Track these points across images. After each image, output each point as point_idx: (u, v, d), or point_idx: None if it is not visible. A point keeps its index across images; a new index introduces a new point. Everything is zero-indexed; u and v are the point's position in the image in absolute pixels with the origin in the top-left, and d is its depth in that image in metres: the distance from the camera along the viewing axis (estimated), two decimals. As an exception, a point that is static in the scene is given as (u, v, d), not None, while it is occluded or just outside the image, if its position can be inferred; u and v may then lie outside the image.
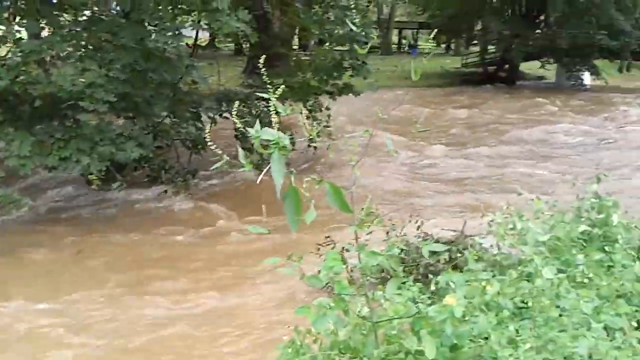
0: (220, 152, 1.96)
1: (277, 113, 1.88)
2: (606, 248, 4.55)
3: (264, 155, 1.85)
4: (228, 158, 1.95)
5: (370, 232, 5.53)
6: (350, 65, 12.43)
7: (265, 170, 1.83)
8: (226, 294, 7.24)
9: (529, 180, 12.37)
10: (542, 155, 15.51)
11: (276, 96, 1.91)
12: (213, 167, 2.07)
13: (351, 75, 12.95)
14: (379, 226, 5.74)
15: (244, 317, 6.63)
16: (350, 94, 13.42)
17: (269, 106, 1.95)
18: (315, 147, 10.11)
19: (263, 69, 2.06)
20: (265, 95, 1.95)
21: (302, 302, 5.55)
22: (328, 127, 11.33)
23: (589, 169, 12.43)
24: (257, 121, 1.91)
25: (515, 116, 22.08)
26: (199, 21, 10.40)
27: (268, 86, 1.98)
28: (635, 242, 5.04)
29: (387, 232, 6.19)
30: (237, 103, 2.67)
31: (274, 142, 1.81)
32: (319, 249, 5.95)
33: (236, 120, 1.99)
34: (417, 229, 6.54)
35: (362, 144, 2.31)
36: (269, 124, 1.88)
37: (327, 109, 12.74)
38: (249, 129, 1.83)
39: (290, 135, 2.22)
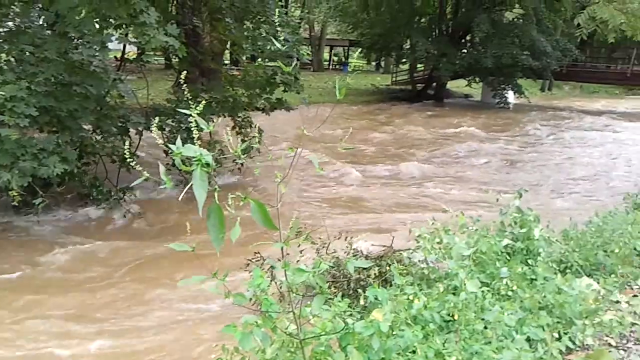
0: (140, 168, 1.92)
1: (199, 129, 1.86)
2: (529, 261, 4.70)
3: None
4: (149, 175, 1.90)
5: (303, 250, 5.54)
6: (282, 80, 12.47)
7: (187, 187, 1.81)
8: (150, 313, 7.03)
9: (444, 197, 12.67)
10: (457, 173, 15.89)
11: (197, 111, 1.88)
12: (132, 184, 2.02)
13: (284, 91, 12.98)
14: (308, 243, 5.76)
15: (170, 336, 6.47)
16: (283, 110, 13.44)
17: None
18: (242, 164, 10.05)
19: (184, 85, 2.03)
20: (186, 112, 1.91)
21: (230, 320, 5.48)
22: (259, 143, 11.27)
23: (503, 187, 12.93)
24: (179, 137, 1.88)
25: (437, 134, 22.60)
26: (126, 35, 10.21)
27: (190, 102, 1.95)
28: (556, 255, 5.24)
29: (317, 250, 6.22)
30: (157, 119, 2.60)
31: (197, 159, 1.79)
32: (248, 265, 5.91)
33: (157, 136, 1.95)
34: (347, 246, 6.58)
35: (289, 161, 2.31)
36: (199, 139, 1.86)
37: (255, 126, 12.68)
38: (171, 146, 1.80)
39: (220, 150, 2.19)
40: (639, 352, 3.91)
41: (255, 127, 12.38)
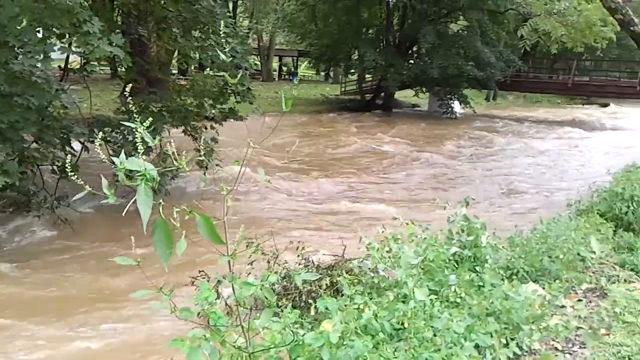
0: (82, 182, 1.86)
1: (144, 142, 1.82)
2: (476, 268, 4.78)
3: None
4: (90, 188, 1.85)
5: (254, 261, 5.48)
6: (233, 90, 12.39)
7: (131, 202, 1.76)
8: (95, 331, 6.84)
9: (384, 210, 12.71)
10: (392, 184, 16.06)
11: (146, 125, 1.84)
12: (74, 198, 1.96)
13: (237, 101, 12.89)
14: (258, 255, 5.71)
15: (116, 354, 6.31)
16: (234, 120, 13.33)
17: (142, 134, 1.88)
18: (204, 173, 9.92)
19: (129, 96, 1.99)
20: (131, 125, 1.87)
21: (177, 334, 5.37)
22: (210, 154, 11.19)
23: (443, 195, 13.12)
24: (122, 151, 1.84)
25: (382, 143, 22.82)
26: (69, 44, 9.96)
27: (136, 113, 1.90)
28: (502, 261, 5.34)
29: (268, 261, 6.19)
30: (101, 132, 2.53)
31: (141, 173, 1.75)
32: (193, 282, 5.83)
33: (99, 150, 1.89)
34: (298, 256, 6.56)
35: (236, 173, 2.29)
36: (147, 151, 1.82)
37: (213, 138, 12.54)
38: (114, 159, 1.76)
39: (171, 162, 2.14)
40: (584, 355, 4.01)
41: (206, 137, 12.26)
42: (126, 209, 1.77)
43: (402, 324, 3.56)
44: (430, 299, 3.78)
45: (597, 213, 7.16)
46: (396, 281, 4.16)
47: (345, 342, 3.13)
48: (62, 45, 9.69)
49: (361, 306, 3.57)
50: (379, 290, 4.49)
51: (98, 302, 7.55)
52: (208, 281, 4.02)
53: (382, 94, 36.75)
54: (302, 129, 25.53)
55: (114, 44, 8.85)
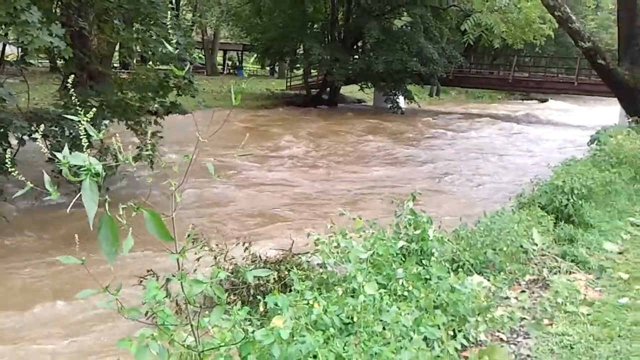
0: (22, 177, 1.78)
1: (88, 136, 1.74)
2: (423, 261, 4.83)
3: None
4: (32, 185, 1.77)
5: (200, 257, 5.40)
6: (175, 84, 12.16)
7: (75, 198, 1.69)
8: (35, 333, 6.59)
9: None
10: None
11: (87, 118, 1.77)
12: (15, 195, 1.88)
13: (179, 95, 12.66)
14: (205, 251, 5.63)
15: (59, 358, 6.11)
16: (178, 114, 13.09)
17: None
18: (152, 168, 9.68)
19: (71, 89, 1.90)
20: (73, 117, 1.79)
21: (126, 335, 5.25)
22: (154, 148, 10.95)
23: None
24: (66, 145, 1.77)
25: (323, 139, 22.90)
26: (6, 34, 9.58)
27: (77, 107, 1.82)
28: (448, 254, 5.43)
29: (215, 257, 6.11)
30: (42, 125, 2.43)
31: (86, 168, 1.68)
32: (140, 282, 5.70)
33: (42, 145, 1.81)
34: (245, 251, 6.50)
35: (184, 168, 2.23)
36: (89, 146, 1.74)
37: (156, 133, 12.28)
38: (57, 154, 1.68)
39: (114, 157, 2.06)
40: (529, 345, 4.11)
41: (149, 132, 12.02)
42: (70, 206, 1.70)
43: (352, 318, 3.57)
44: (380, 293, 3.81)
45: (539, 206, 7.35)
46: (345, 276, 4.17)
47: (295, 338, 3.11)
48: (-1, 35, 9.31)
49: (311, 301, 3.56)
50: (327, 285, 4.49)
51: (37, 303, 7.28)
52: (157, 279, 3.93)
53: (328, 89, 36.84)
54: (248, 123, 25.33)
55: (54, 35, 8.55)
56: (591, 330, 4.32)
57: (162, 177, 10.72)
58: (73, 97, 1.89)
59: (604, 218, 7.64)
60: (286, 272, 5.61)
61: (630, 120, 16.26)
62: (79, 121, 1.77)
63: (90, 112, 1.80)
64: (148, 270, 6.01)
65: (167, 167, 2.15)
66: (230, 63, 56.53)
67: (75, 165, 1.73)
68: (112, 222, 1.80)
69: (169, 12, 7.91)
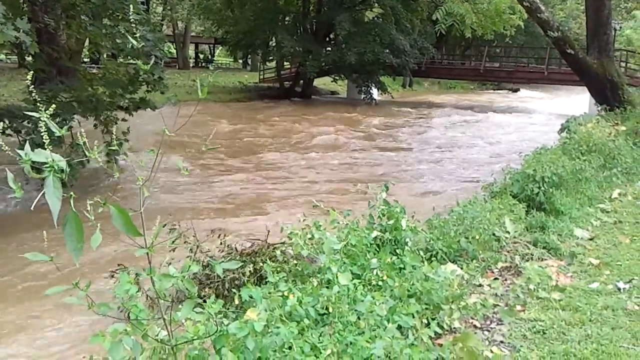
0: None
1: (50, 133, 1.72)
2: (397, 251, 4.87)
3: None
4: (-5, 183, 1.74)
5: (175, 249, 5.36)
6: (144, 80, 12.04)
7: (39, 195, 1.67)
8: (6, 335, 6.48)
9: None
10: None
11: (50, 113, 1.74)
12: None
13: (148, 90, 12.54)
14: (179, 244, 5.59)
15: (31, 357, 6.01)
16: (148, 109, 12.97)
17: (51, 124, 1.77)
18: (116, 165, 9.58)
19: (38, 85, 1.88)
20: (35, 114, 1.76)
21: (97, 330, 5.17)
22: (122, 143, 10.83)
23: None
24: (27, 142, 1.74)
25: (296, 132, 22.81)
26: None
27: (39, 104, 1.80)
28: (422, 243, 5.47)
29: (191, 249, 6.08)
30: (1, 124, 2.40)
31: (49, 165, 1.66)
32: (112, 276, 5.66)
33: (1, 143, 1.78)
34: (221, 244, 6.47)
35: (151, 163, 2.22)
36: (59, 142, 1.72)
37: (127, 128, 12.15)
38: (19, 151, 1.66)
39: (83, 152, 2.03)
40: (502, 332, 4.17)
41: (119, 127, 11.88)
42: (34, 203, 1.69)
43: (327, 309, 3.59)
44: (354, 283, 3.83)
45: (510, 194, 7.44)
46: (319, 267, 4.19)
47: (270, 330, 3.12)
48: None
49: (285, 293, 3.57)
50: (302, 277, 4.51)
51: (6, 301, 7.16)
52: (129, 274, 3.90)
53: (302, 81, 36.77)
54: (220, 117, 25.14)
55: (20, 30, 8.39)
56: (563, 316, 4.39)
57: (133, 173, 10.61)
58: (33, 94, 1.86)
59: (575, 205, 7.75)
60: (261, 264, 5.61)
61: (599, 108, 16.52)
62: (50, 116, 1.75)
63: (51, 108, 1.77)
64: (119, 265, 5.96)
65: (133, 162, 2.13)
66: (202, 56, 56.11)
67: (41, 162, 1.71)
68: (78, 218, 1.78)
69: (130, 6, 7.80)
